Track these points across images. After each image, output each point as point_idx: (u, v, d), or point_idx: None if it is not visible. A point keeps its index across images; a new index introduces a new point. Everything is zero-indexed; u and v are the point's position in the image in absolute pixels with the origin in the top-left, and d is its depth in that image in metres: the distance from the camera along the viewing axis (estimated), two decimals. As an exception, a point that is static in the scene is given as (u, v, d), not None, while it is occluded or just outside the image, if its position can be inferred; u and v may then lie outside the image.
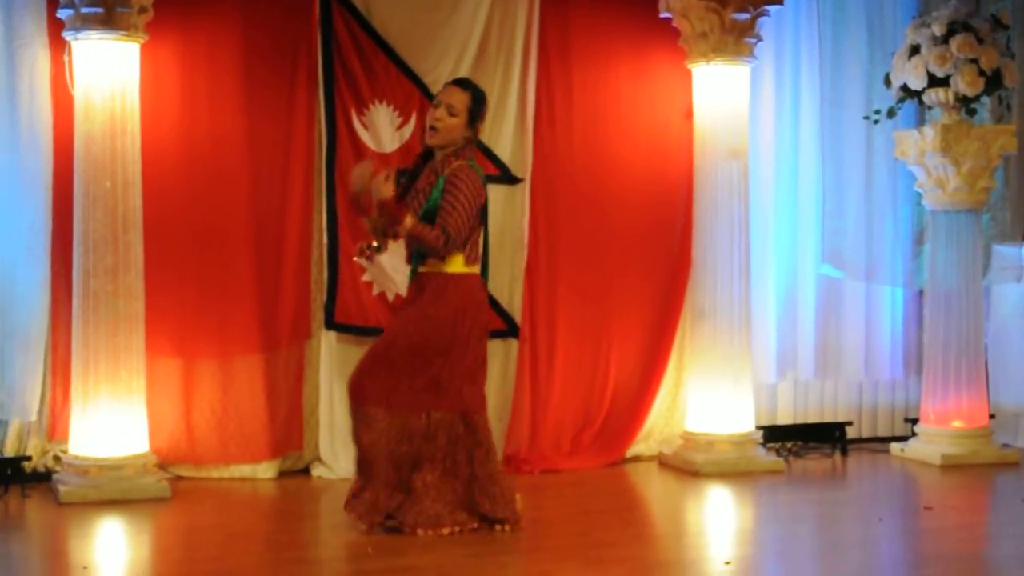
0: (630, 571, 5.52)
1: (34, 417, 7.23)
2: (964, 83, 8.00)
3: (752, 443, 7.94)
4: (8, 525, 6.54)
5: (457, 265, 6.17)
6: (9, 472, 7.07)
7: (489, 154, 7.92)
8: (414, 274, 6.24)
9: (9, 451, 7.23)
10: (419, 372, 6.07)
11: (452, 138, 6.17)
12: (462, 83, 6.34)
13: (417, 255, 6.21)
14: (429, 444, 6.07)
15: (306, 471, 7.65)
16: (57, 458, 7.16)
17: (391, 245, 7.57)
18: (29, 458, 7.21)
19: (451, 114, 6.13)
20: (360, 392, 6.11)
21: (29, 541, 6.37)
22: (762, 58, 8.25)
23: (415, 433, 6.06)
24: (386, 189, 5.93)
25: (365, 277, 7.67)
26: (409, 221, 6.00)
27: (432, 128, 6.15)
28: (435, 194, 6.10)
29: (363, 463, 6.15)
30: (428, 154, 6.28)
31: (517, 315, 7.98)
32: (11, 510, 6.74)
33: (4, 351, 7.21)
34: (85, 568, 5.63)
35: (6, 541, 6.25)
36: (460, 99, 6.18)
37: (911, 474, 8.02)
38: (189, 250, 7.39)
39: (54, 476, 7.04)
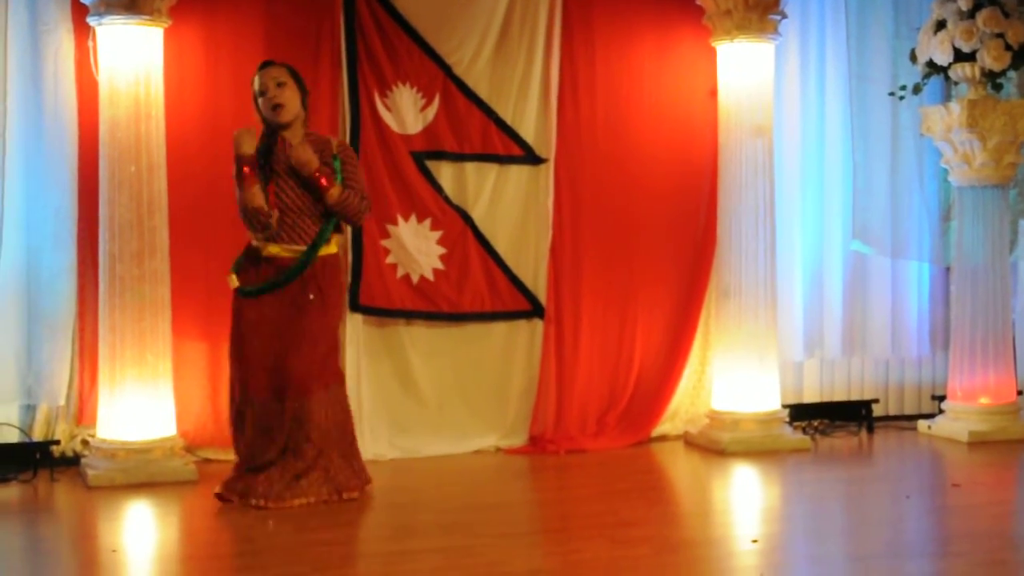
0: (656, 550, 5.53)
1: (62, 402, 7.27)
2: (990, 58, 7.95)
3: (778, 421, 7.92)
4: (37, 509, 6.58)
5: (334, 246, 6.58)
6: (38, 456, 7.12)
7: (513, 134, 7.92)
8: (308, 257, 6.41)
9: (38, 435, 7.27)
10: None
11: (297, 112, 6.50)
12: (272, 63, 6.61)
13: (322, 235, 6.44)
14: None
15: (332, 453, 7.66)
16: (85, 442, 7.20)
17: (407, 225, 7.64)
18: (57, 442, 7.26)
19: (282, 85, 6.47)
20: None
21: (58, 525, 6.41)
22: (787, 35, 8.21)
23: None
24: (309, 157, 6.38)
25: (389, 259, 7.68)
26: (336, 190, 6.41)
27: (278, 107, 6.41)
28: (338, 168, 6.46)
29: None
30: (271, 132, 6.48)
31: (542, 296, 7.97)
32: (40, 494, 6.79)
33: (32, 336, 7.25)
34: (114, 551, 5.66)
35: (36, 525, 6.30)
36: (283, 74, 6.50)
37: (938, 451, 7.99)
38: (214, 233, 7.38)
39: (82, 460, 7.09)
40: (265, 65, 6.53)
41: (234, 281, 6.44)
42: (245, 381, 6.42)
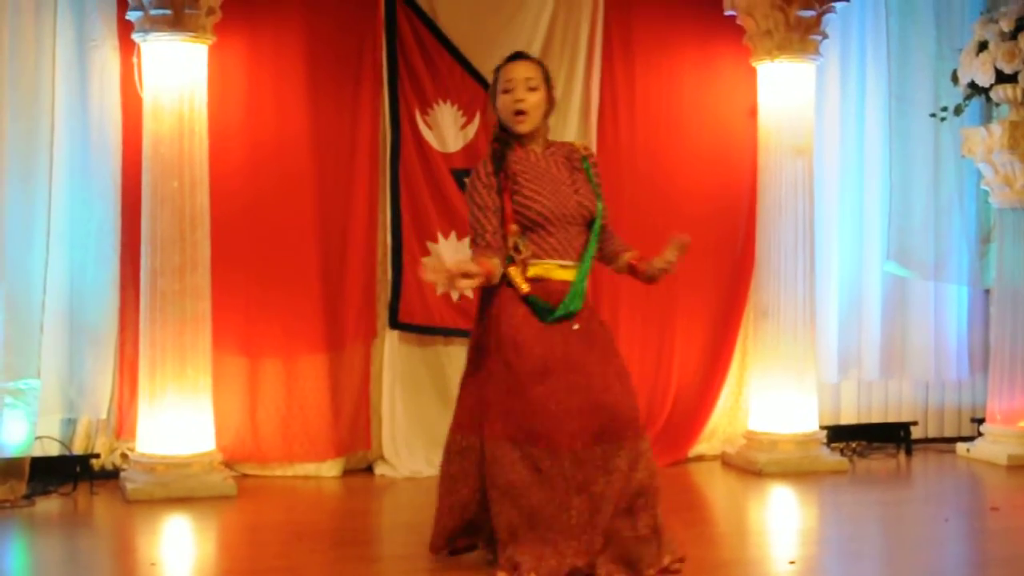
0: (693, 570, 5.50)
1: (103, 415, 7.33)
2: (1032, 80, 7.93)
3: (816, 443, 7.90)
4: (77, 522, 6.63)
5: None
6: (78, 469, 7.17)
7: (552, 153, 7.93)
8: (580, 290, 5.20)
9: (78, 449, 7.33)
10: None
11: (538, 124, 5.31)
12: (525, 56, 5.42)
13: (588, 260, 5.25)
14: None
15: (369, 470, 7.69)
16: (125, 456, 7.25)
17: (447, 242, 7.65)
18: (97, 455, 7.32)
19: (532, 89, 5.22)
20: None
21: (97, 538, 6.45)
22: (828, 55, 8.21)
23: None
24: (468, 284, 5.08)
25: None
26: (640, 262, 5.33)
27: (521, 113, 5.20)
28: (598, 196, 5.30)
29: None
30: (504, 143, 5.28)
31: (579, 313, 7.96)
32: (80, 507, 6.84)
33: (74, 350, 7.30)
34: (153, 564, 5.69)
35: (75, 538, 6.34)
36: (537, 74, 5.27)
37: (977, 474, 7.95)
38: (255, 249, 7.45)
39: (122, 473, 7.13)
40: (516, 57, 5.33)
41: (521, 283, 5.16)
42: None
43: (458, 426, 5.35)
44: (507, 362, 5.07)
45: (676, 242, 5.22)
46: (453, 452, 5.34)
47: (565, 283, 5.14)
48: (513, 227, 5.11)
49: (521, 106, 5.16)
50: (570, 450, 4.94)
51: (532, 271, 5.13)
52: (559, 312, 5.09)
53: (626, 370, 5.21)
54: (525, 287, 5.10)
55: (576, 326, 5.12)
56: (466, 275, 4.95)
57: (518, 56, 5.33)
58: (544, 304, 5.09)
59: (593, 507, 4.98)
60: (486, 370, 5.20)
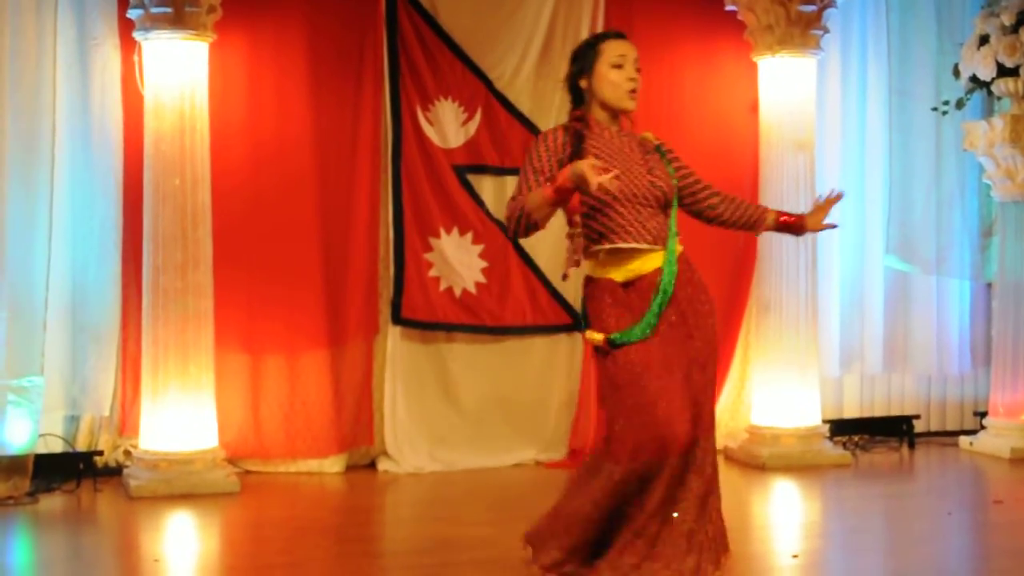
0: (696, 565, 5.50)
1: (106, 412, 7.34)
2: (1034, 73, 7.93)
3: (818, 437, 7.90)
4: (80, 519, 6.64)
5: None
6: (81, 467, 7.18)
7: (555, 149, 7.93)
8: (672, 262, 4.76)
9: (81, 446, 7.34)
10: None
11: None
12: (624, 36, 4.96)
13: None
14: None
15: (372, 466, 7.70)
16: (128, 453, 7.26)
17: (450, 238, 7.66)
18: (101, 453, 7.33)
19: (638, 70, 4.83)
20: None
21: (101, 534, 6.45)
22: (829, 50, 8.21)
23: None
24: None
25: (432, 272, 7.71)
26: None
27: (635, 92, 4.80)
28: (674, 177, 4.88)
29: None
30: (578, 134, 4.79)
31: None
32: (83, 504, 6.84)
33: (77, 347, 7.31)
34: (156, 561, 5.70)
35: (79, 535, 6.35)
36: (637, 54, 4.85)
37: (980, 468, 7.95)
38: (257, 246, 7.45)
39: (125, 470, 7.14)
40: (621, 35, 4.91)
41: (596, 336, 4.69)
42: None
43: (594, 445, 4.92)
44: (609, 377, 4.67)
45: (831, 196, 5.08)
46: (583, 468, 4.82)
47: (655, 273, 4.70)
48: (577, 218, 4.75)
49: (635, 84, 4.78)
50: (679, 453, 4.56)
51: (619, 274, 4.70)
52: (652, 314, 4.65)
53: (715, 355, 4.82)
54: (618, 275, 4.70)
55: (674, 317, 4.70)
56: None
57: (621, 35, 4.91)
58: (629, 331, 4.63)
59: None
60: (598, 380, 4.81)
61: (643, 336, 4.63)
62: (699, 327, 4.76)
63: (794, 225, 5.11)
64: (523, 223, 4.63)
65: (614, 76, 4.78)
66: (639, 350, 4.62)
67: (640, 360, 4.60)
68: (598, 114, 4.81)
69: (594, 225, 4.71)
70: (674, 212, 4.84)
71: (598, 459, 4.68)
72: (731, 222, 5.14)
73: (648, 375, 4.58)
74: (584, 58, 4.85)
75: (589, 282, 4.83)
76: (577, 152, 4.67)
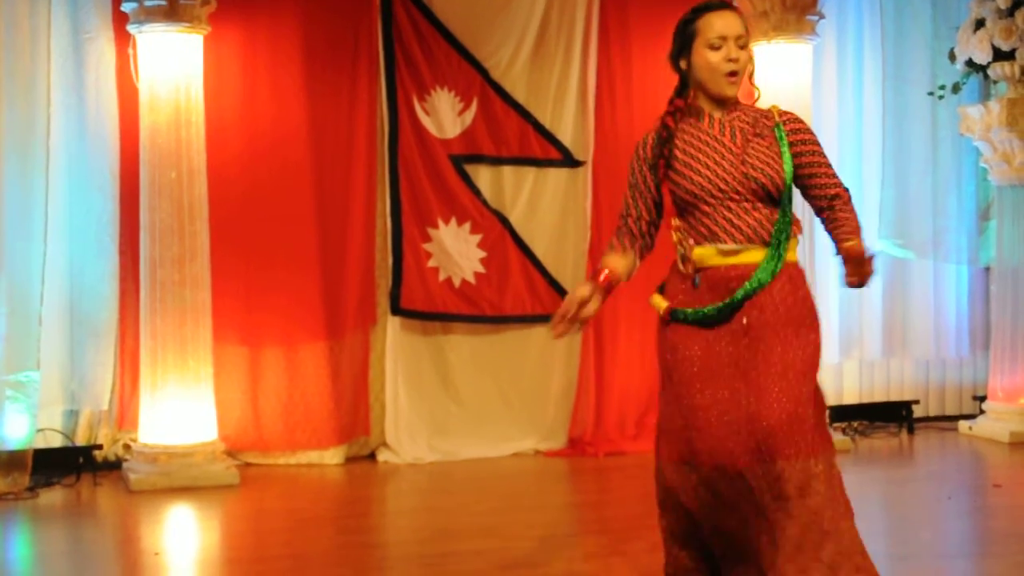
0: (696, 552, 5.51)
1: (105, 406, 7.33)
2: (1030, 56, 7.92)
3: (818, 423, 7.89)
4: (81, 512, 6.64)
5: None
6: (81, 461, 7.19)
7: (550, 138, 7.94)
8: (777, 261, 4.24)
9: (81, 440, 7.34)
10: None
11: (745, 78, 4.38)
12: (730, 6, 4.39)
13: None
14: None
15: (372, 456, 7.70)
16: (127, 446, 7.26)
17: (448, 228, 7.66)
18: (100, 447, 7.33)
19: (742, 47, 4.28)
20: None
21: (101, 528, 6.46)
22: (824, 36, 8.19)
23: None
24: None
25: (431, 263, 7.70)
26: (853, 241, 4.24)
27: (735, 74, 4.26)
28: (788, 163, 4.27)
29: None
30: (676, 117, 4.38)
31: (580, 299, 7.96)
32: (83, 498, 6.85)
33: (75, 342, 7.31)
34: (157, 554, 5.71)
35: (79, 528, 6.36)
36: (745, 32, 4.30)
37: (979, 452, 7.96)
38: (254, 238, 7.45)
39: (124, 464, 7.14)
40: (721, 6, 4.30)
41: (660, 303, 4.41)
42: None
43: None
44: (666, 365, 4.34)
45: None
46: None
47: (733, 268, 4.20)
48: (676, 221, 4.30)
49: (736, 67, 4.22)
50: (735, 469, 4.10)
51: (695, 255, 4.26)
52: (709, 310, 4.21)
53: (803, 365, 4.16)
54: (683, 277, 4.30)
55: (745, 319, 4.18)
56: (581, 302, 4.34)
57: (723, 5, 4.31)
58: (690, 313, 4.26)
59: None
60: (660, 379, 4.42)
61: (700, 318, 4.22)
62: (771, 333, 4.16)
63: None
64: None
65: (709, 58, 4.23)
66: (702, 344, 4.22)
67: (702, 356, 4.22)
68: (700, 100, 4.30)
69: (684, 226, 4.29)
70: (788, 206, 4.24)
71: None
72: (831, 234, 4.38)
73: (709, 378, 4.18)
74: (682, 35, 4.30)
75: (670, 273, 4.41)
76: (660, 155, 4.28)
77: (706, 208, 4.23)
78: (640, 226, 4.41)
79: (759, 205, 4.22)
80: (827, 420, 4.33)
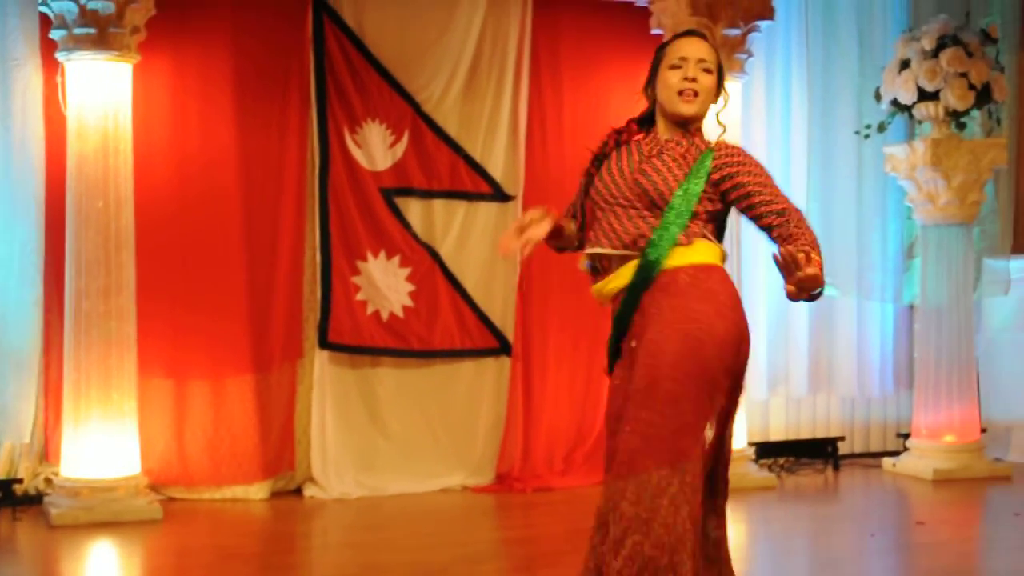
0: (623, 591, 5.50)
1: (27, 439, 7.21)
2: (954, 97, 8.03)
3: (744, 459, 7.94)
4: (0, 548, 6.53)
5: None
6: (1, 495, 7.05)
7: (481, 171, 7.95)
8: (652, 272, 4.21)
9: (0, 474, 7.21)
10: None
11: (700, 113, 4.40)
12: (701, 34, 4.48)
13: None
14: None
15: (298, 492, 7.63)
16: (48, 480, 7.14)
17: (377, 261, 7.64)
18: (20, 480, 7.19)
19: (707, 71, 4.34)
20: None
21: (20, 564, 6.34)
22: (753, 73, 8.27)
23: None
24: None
25: (359, 296, 7.67)
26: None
27: (690, 92, 4.30)
28: (696, 183, 4.24)
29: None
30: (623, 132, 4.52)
31: (510, 333, 7.97)
32: (2, 533, 6.72)
33: (-3, 373, 7.20)
34: (78, 591, 5.63)
35: (-2, 564, 6.25)
36: (713, 58, 4.37)
37: (903, 489, 8.03)
38: (181, 270, 7.38)
39: (45, 498, 7.03)
40: (690, 33, 4.44)
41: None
42: None
43: None
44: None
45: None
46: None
47: (619, 293, 4.25)
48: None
49: (691, 86, 4.25)
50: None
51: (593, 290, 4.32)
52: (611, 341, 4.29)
53: (650, 384, 4.09)
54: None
55: (633, 343, 4.20)
56: (532, 219, 4.34)
57: (693, 32, 4.44)
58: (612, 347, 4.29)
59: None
60: None
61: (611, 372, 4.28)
62: (643, 354, 4.13)
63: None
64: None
65: (667, 78, 4.30)
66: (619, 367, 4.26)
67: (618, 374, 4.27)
68: (661, 123, 4.36)
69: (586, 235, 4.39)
70: (674, 219, 4.19)
71: None
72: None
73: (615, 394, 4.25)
74: (652, 63, 4.41)
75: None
76: (592, 166, 4.43)
77: (599, 214, 4.30)
78: (577, 219, 4.46)
79: (646, 214, 4.22)
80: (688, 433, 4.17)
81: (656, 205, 4.20)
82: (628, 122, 4.47)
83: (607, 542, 4.11)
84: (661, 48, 4.42)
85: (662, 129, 4.36)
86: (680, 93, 4.28)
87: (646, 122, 4.45)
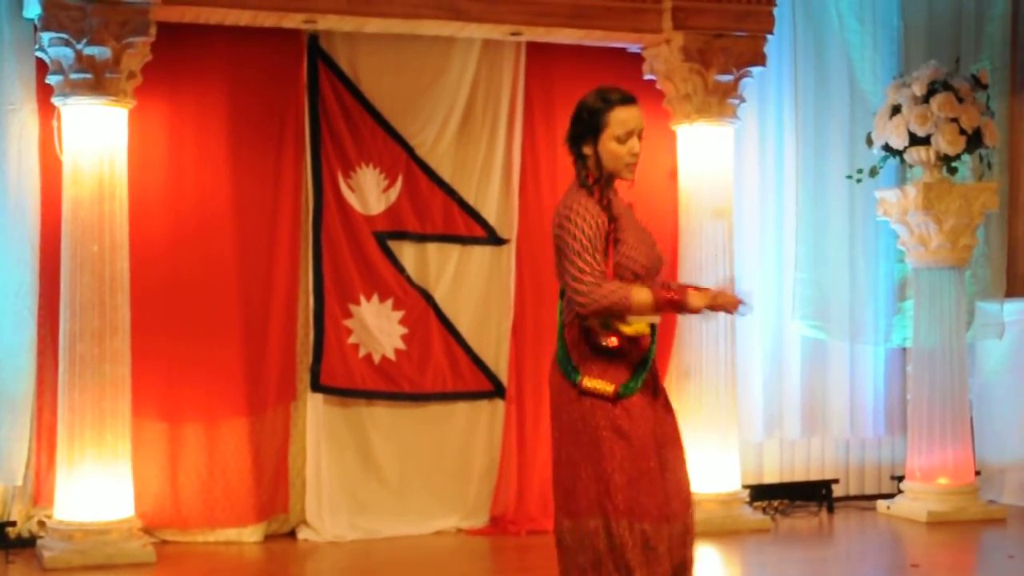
0: (617, 632, 5.49)
1: (19, 482, 7.20)
2: (945, 142, 8.07)
3: (739, 502, 7.93)
4: (-7, 591, 6.52)
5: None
6: (-6, 538, 7.05)
7: (475, 215, 7.98)
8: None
9: (-7, 517, 7.21)
10: None
11: None
12: (634, 100, 4.70)
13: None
14: None
15: (292, 534, 7.62)
16: (42, 523, 7.12)
17: (369, 305, 7.65)
18: (14, 523, 7.18)
19: (640, 139, 4.66)
20: None
21: (14, 607, 6.34)
22: (745, 119, 8.32)
23: None
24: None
25: (351, 339, 7.69)
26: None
27: (633, 167, 4.67)
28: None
29: None
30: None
31: (503, 376, 7.98)
32: (-4, 576, 6.72)
33: (-10, 415, 7.19)
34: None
35: (-9, 607, 6.23)
36: (643, 121, 4.68)
37: (898, 531, 8.02)
38: (176, 313, 7.39)
39: (39, 541, 7.00)
40: (630, 100, 4.65)
41: (603, 386, 4.53)
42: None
43: (575, 511, 4.53)
44: (624, 434, 4.48)
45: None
46: (575, 539, 4.56)
47: (644, 338, 4.56)
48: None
49: (637, 159, 4.61)
50: (683, 523, 4.52)
51: (631, 329, 4.50)
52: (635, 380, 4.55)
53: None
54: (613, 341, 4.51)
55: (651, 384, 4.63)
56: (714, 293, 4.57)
57: (631, 100, 4.64)
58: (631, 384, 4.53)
59: None
60: (602, 446, 4.47)
61: (636, 389, 4.53)
62: (668, 407, 4.71)
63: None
64: (616, 312, 4.46)
65: (615, 149, 4.58)
66: (648, 416, 4.54)
67: (652, 426, 4.54)
68: (606, 179, 4.63)
69: None
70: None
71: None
72: None
73: (659, 444, 4.55)
74: (588, 122, 4.65)
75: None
76: (610, 224, 4.56)
77: (637, 281, 4.50)
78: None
79: (655, 280, 4.61)
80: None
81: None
82: (584, 178, 4.66)
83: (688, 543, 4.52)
84: (600, 112, 4.62)
85: (604, 184, 4.64)
86: (629, 166, 4.61)
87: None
